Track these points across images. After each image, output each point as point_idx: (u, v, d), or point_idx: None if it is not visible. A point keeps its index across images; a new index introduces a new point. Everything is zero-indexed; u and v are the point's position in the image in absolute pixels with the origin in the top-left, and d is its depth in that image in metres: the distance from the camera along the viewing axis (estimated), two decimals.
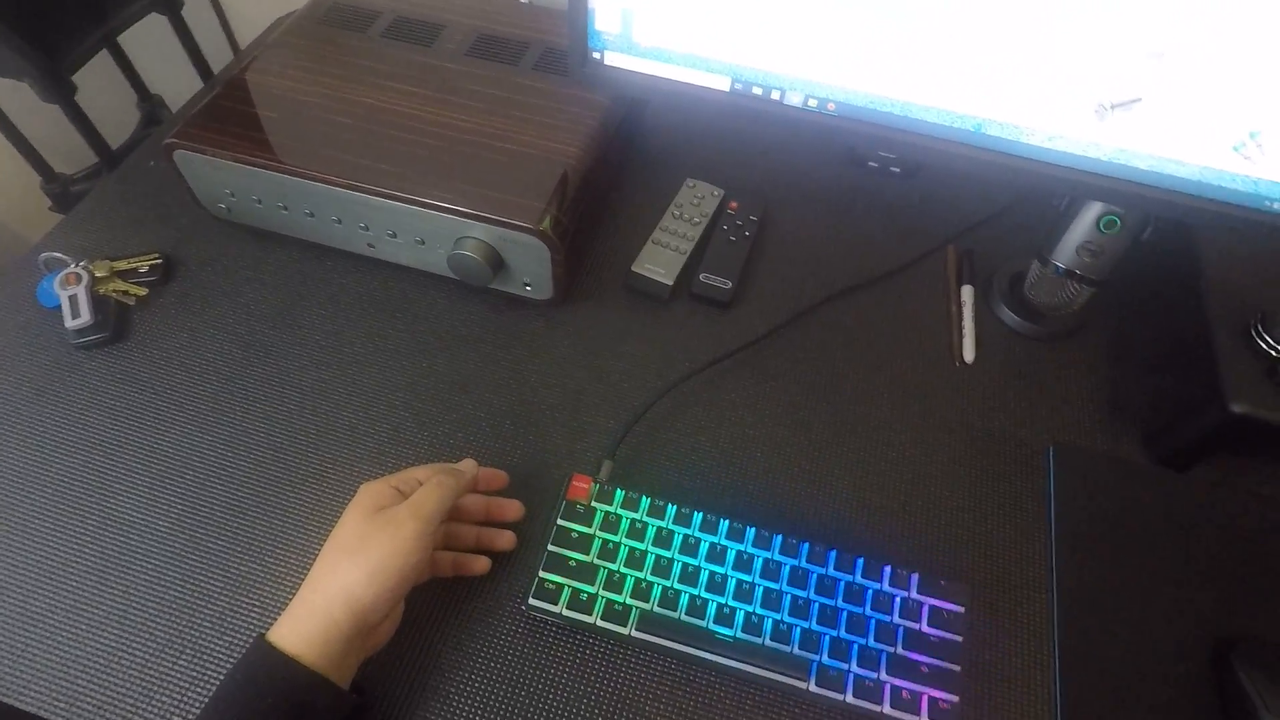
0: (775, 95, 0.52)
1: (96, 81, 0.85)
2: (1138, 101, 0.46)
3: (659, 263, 0.63)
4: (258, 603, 0.48)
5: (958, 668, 0.45)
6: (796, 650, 0.45)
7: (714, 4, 0.49)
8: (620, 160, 0.70)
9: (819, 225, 0.70)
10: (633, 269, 0.63)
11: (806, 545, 0.49)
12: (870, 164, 0.74)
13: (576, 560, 0.48)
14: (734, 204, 0.68)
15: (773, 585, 0.48)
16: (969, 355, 0.62)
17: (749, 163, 0.74)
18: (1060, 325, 0.63)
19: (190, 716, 0.44)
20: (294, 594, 0.42)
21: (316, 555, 0.43)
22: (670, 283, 0.62)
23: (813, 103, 0.51)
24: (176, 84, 0.92)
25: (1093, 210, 0.55)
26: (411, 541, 0.42)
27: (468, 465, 0.49)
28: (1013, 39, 0.45)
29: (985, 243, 0.69)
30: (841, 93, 0.50)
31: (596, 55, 0.53)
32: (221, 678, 0.40)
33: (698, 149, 0.75)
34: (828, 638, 0.46)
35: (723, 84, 0.52)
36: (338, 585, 0.41)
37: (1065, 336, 0.64)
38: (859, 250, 0.68)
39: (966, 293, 0.65)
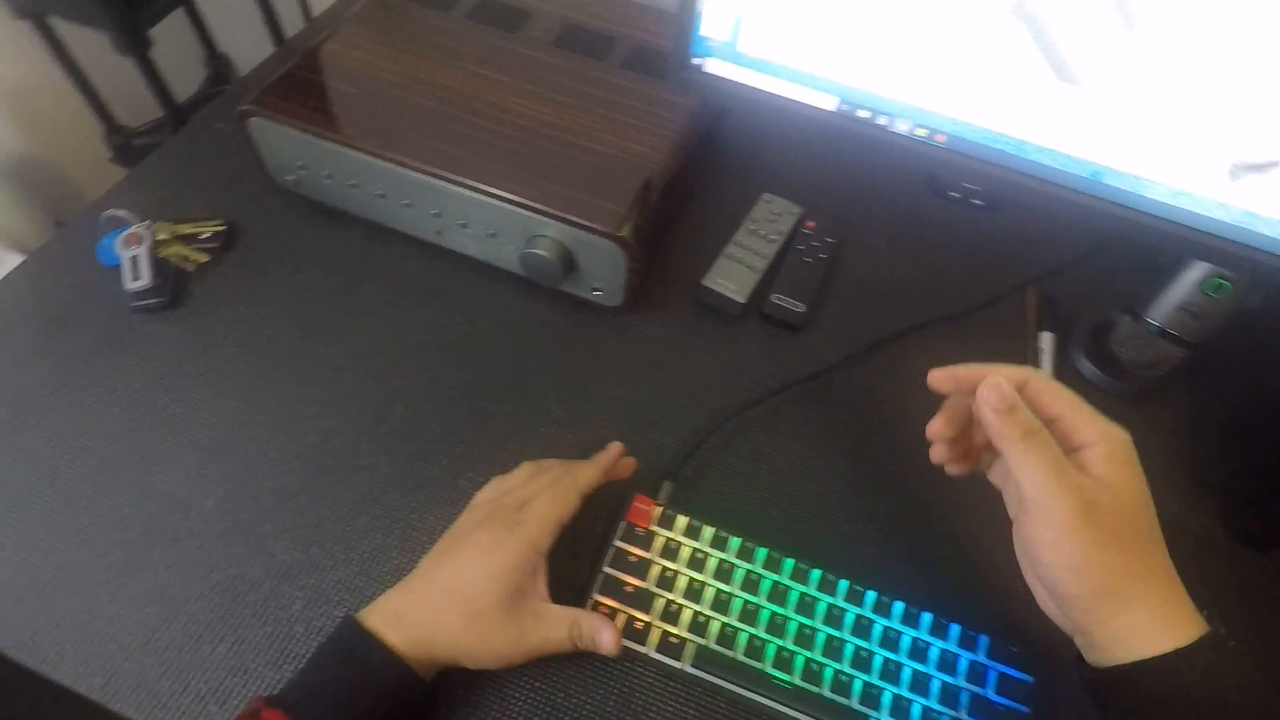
0: (882, 120, 0.49)
1: (163, 35, 0.84)
2: (1276, 165, 0.43)
3: (731, 278, 0.61)
4: (300, 594, 0.47)
5: None
6: (856, 704, 0.43)
7: (830, 21, 0.46)
8: (699, 169, 0.68)
9: (895, 253, 0.68)
10: (703, 283, 0.61)
11: (873, 594, 0.47)
12: (952, 194, 0.72)
13: (633, 586, 0.46)
14: (811, 223, 0.66)
15: (835, 633, 0.46)
16: None
17: (825, 181, 0.71)
18: (1142, 384, 0.60)
19: (228, 706, 0.43)
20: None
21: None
22: (743, 300, 0.60)
23: (921, 132, 0.49)
24: (245, 44, 0.90)
25: (1198, 270, 0.53)
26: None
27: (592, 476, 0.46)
28: (1152, 88, 0.42)
29: (1067, 287, 0.66)
30: (953, 124, 0.48)
31: (697, 61, 0.51)
32: (329, 663, 0.39)
33: (774, 162, 0.72)
34: (889, 694, 0.44)
35: (828, 103, 0.50)
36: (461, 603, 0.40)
37: (1145, 396, 0.61)
38: (935, 284, 0.66)
39: (1046, 340, 0.62)
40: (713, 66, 0.51)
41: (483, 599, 0.40)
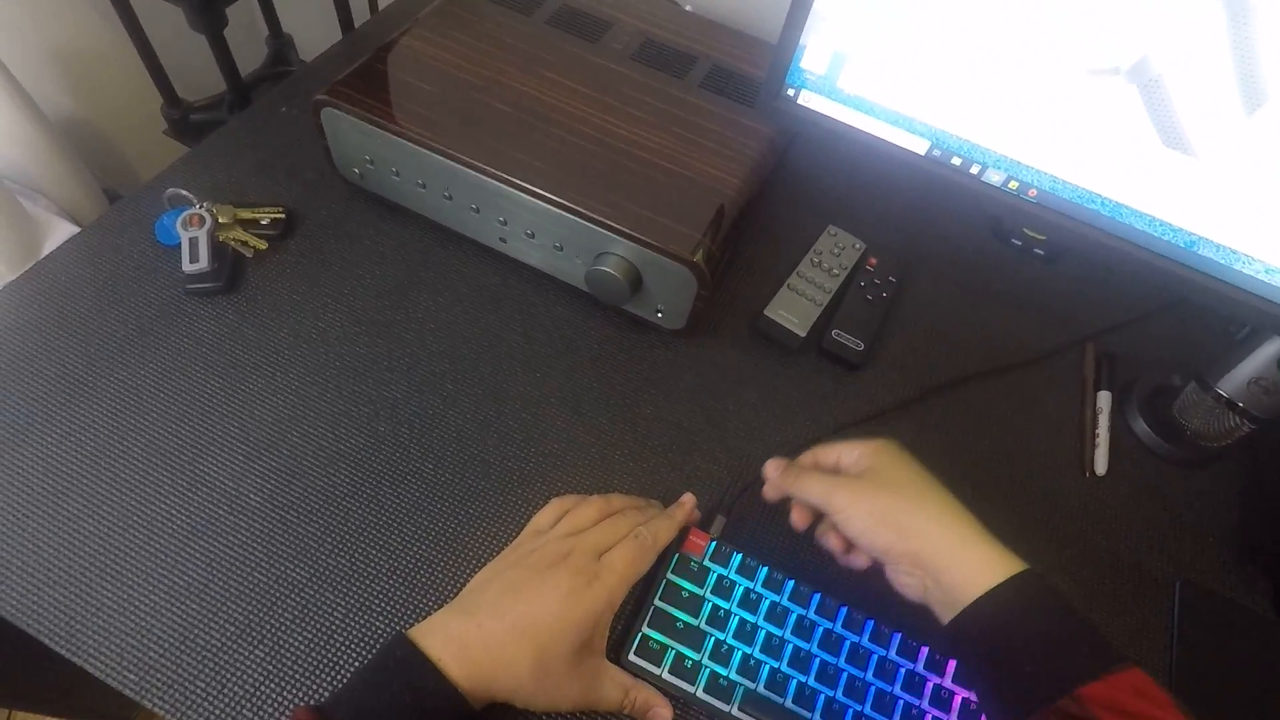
0: (974, 169, 0.48)
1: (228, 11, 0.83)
2: None
3: (793, 311, 0.60)
4: (341, 601, 0.46)
5: None
6: None
7: (934, 68, 0.45)
8: (768, 196, 0.67)
9: (955, 296, 0.67)
10: (765, 313, 0.60)
11: (926, 649, 0.46)
12: (1014, 241, 0.71)
13: (684, 622, 0.45)
14: (873, 260, 0.65)
15: (886, 688, 0.45)
16: (1100, 468, 0.58)
17: (887, 216, 0.70)
18: (1200, 453, 0.59)
19: (263, 712, 0.42)
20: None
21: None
22: (803, 334, 0.59)
23: (1014, 185, 0.48)
24: (309, 26, 0.89)
25: (1275, 345, 0.52)
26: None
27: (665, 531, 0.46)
28: (1265, 167, 0.41)
29: (1126, 346, 0.65)
30: (1049, 180, 0.47)
31: (791, 92, 0.50)
32: (381, 682, 0.38)
33: (836, 194, 0.71)
34: None
35: (920, 146, 0.49)
36: (530, 639, 0.39)
37: (1200, 464, 0.60)
38: (994, 331, 0.65)
39: (1103, 399, 0.62)
40: (806, 99, 0.50)
41: (554, 649, 0.39)
